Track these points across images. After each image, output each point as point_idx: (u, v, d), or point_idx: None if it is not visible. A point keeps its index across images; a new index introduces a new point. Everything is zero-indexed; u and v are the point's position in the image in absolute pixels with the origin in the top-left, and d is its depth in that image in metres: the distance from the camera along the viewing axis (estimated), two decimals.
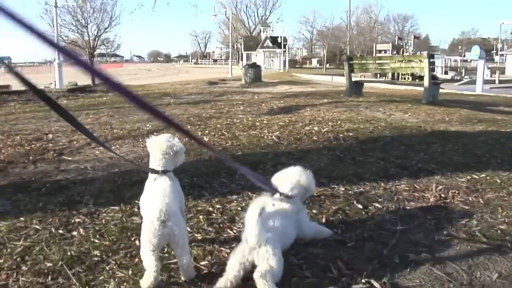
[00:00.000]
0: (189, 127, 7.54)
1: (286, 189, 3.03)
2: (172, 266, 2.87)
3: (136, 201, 3.51)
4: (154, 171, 2.87)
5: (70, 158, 5.80)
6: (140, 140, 6.73)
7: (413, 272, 2.86)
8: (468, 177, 5.00)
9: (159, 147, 2.90)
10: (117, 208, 3.95)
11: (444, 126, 8.34)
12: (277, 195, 3.01)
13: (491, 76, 47.00)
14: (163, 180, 2.82)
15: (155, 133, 3.14)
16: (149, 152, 2.96)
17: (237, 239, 3.29)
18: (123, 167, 5.30)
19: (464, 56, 76.56)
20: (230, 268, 2.63)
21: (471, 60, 58.79)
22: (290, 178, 3.10)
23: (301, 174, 3.13)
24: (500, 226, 3.67)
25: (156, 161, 2.89)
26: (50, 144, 6.56)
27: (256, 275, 2.53)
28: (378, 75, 39.63)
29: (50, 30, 27.81)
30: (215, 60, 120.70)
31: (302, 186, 3.09)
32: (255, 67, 25.72)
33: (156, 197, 2.63)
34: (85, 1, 32.58)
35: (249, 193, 4.32)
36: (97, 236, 3.37)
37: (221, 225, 3.61)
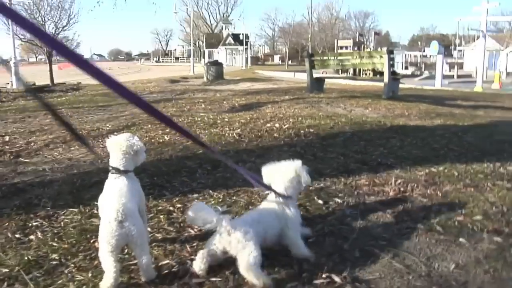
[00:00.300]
0: (149, 126, 7.46)
1: (280, 188, 2.98)
2: (132, 267, 2.84)
3: (95, 203, 3.46)
4: (117, 170, 2.83)
5: (27, 160, 5.67)
6: (100, 140, 6.61)
7: (373, 265, 2.90)
8: (427, 170, 5.11)
9: (119, 146, 2.87)
10: (76, 210, 3.89)
11: (403, 120, 8.47)
12: (272, 195, 2.97)
13: (449, 71, 48.16)
14: (121, 180, 2.79)
15: (115, 133, 3.10)
16: (109, 152, 2.92)
17: (198, 238, 3.29)
18: (82, 168, 5.22)
19: (424, 51, 78.01)
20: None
21: (430, 56, 60.01)
22: (283, 176, 3.03)
23: (295, 170, 3.06)
24: (457, 218, 3.77)
25: (116, 161, 2.86)
26: (6, 146, 6.40)
27: (241, 269, 2.58)
28: (340, 71, 39.96)
29: (5, 29, 27.22)
30: (177, 58, 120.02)
31: (297, 183, 3.04)
32: (217, 64, 25.66)
33: (113, 197, 2.60)
34: None
35: (210, 191, 4.32)
36: (56, 239, 3.30)
37: (181, 224, 3.58)
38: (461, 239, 3.38)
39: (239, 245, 2.58)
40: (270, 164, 3.16)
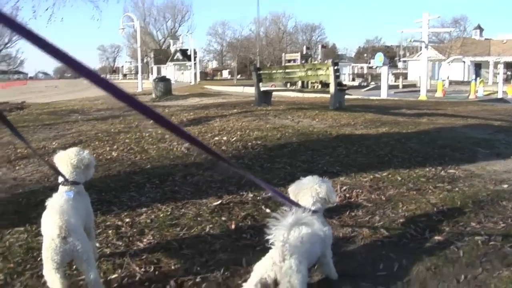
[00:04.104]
0: (96, 143, 7.37)
1: (307, 204, 2.84)
2: (81, 282, 2.82)
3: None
4: (66, 182, 2.83)
5: None
6: (46, 159, 6.49)
7: (318, 268, 2.96)
8: (371, 176, 5.25)
9: (69, 160, 2.86)
10: (22, 229, 3.81)
11: (349, 130, 8.62)
12: (300, 211, 2.57)
13: (395, 82, 49.55)
14: (65, 195, 2.78)
15: (61, 151, 3.07)
16: (58, 167, 2.90)
17: (146, 251, 3.30)
18: (28, 187, 5.13)
19: (370, 63, 79.94)
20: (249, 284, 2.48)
21: (376, 67, 61.54)
22: (309, 191, 2.90)
23: (320, 185, 2.91)
24: (401, 220, 3.93)
25: (66, 174, 2.85)
26: None
27: None
28: (289, 84, 40.42)
29: None
30: (125, 75, 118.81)
31: (323, 198, 2.90)
32: (165, 80, 25.45)
33: (56, 213, 2.56)
34: None
35: (159, 204, 4.31)
36: (1, 259, 3.24)
37: (130, 238, 3.58)
38: (404, 240, 3.51)
39: (289, 271, 2.39)
40: (296, 182, 3.05)
